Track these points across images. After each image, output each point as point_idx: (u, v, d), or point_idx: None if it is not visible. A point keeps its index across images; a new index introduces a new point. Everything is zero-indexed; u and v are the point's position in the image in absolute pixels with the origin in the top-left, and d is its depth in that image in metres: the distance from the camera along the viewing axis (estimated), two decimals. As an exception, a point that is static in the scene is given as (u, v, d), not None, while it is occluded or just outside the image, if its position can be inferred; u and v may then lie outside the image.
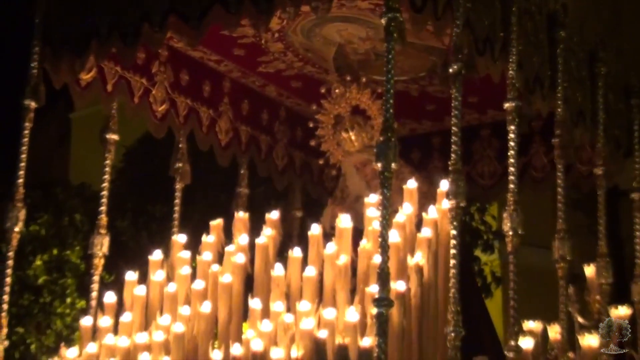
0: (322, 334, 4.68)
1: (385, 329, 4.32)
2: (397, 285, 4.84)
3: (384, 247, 4.39)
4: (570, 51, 6.11)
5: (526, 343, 5.45)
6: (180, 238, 6.06)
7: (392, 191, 5.81)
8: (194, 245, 5.95)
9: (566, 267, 5.62)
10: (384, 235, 4.41)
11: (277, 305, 5.09)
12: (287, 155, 7.65)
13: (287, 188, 7.81)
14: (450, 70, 5.10)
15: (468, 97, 7.08)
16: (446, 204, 5.09)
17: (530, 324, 5.76)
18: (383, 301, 4.32)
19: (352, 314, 4.78)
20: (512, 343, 5.05)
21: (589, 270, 6.03)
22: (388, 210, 4.47)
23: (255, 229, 5.83)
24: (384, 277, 4.35)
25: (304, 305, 4.96)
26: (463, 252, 6.55)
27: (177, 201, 6.74)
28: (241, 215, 5.95)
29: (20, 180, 5.73)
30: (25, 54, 5.88)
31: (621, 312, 5.82)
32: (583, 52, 6.30)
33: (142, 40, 5.61)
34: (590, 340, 5.60)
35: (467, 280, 6.28)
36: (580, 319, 5.94)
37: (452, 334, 4.72)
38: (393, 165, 4.52)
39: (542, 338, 5.75)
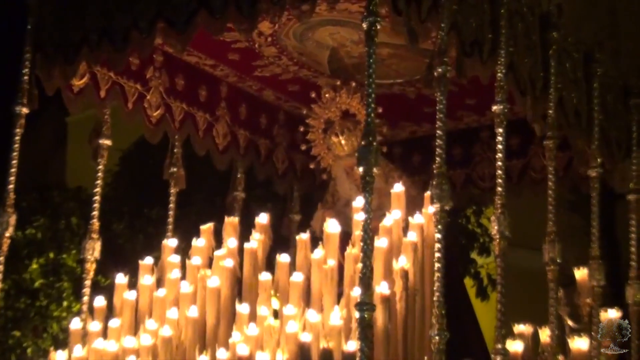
0: (306, 337, 4.72)
1: (368, 333, 4.32)
2: (382, 289, 4.86)
3: (366, 251, 4.41)
4: (565, 52, 6.09)
5: (516, 346, 5.46)
6: (171, 242, 6.10)
7: (381, 195, 5.93)
8: (188, 249, 5.99)
9: (556, 269, 5.61)
10: (366, 240, 4.43)
11: (263, 310, 5.12)
12: (288, 158, 7.67)
13: (285, 191, 7.83)
14: (435, 73, 5.09)
15: (466, 99, 7.13)
16: (432, 208, 5.09)
17: (521, 327, 5.76)
18: (365, 305, 4.33)
19: (335, 318, 4.81)
20: (499, 346, 5.04)
21: (579, 273, 6.02)
22: (370, 214, 4.48)
23: (250, 233, 5.87)
24: (366, 281, 4.37)
25: (289, 309, 4.99)
26: (454, 255, 6.61)
27: (171, 205, 6.78)
28: (231, 219, 5.97)
29: (11, 186, 5.79)
30: (18, 60, 5.95)
31: (611, 314, 5.82)
32: (578, 53, 6.28)
33: (131, 46, 5.66)
34: (580, 343, 5.61)
35: (455, 284, 6.30)
36: (570, 322, 5.94)
37: (437, 338, 4.71)
38: (375, 169, 4.52)
39: (533, 341, 5.75)
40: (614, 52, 6.62)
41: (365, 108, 4.71)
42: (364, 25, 4.72)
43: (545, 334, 5.69)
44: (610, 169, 6.46)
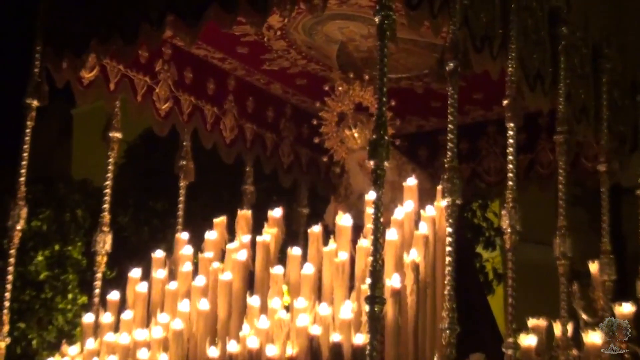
0: (316, 330, 4.73)
1: (377, 326, 4.37)
2: (393, 282, 4.87)
3: (376, 245, 4.43)
4: (573, 47, 6.12)
5: (530, 340, 5.44)
6: (183, 235, 6.12)
7: (394, 188, 5.96)
8: (196, 242, 6.01)
9: (567, 264, 5.63)
10: (376, 233, 4.44)
11: (275, 302, 5.13)
12: (293, 152, 7.70)
13: (293, 185, 7.84)
14: (447, 68, 5.11)
15: (473, 93, 7.16)
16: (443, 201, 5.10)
17: (535, 321, 5.73)
18: (375, 299, 4.35)
19: (346, 311, 4.82)
20: (510, 340, 5.05)
21: (594, 267, 6.02)
22: (381, 207, 4.49)
23: (258, 226, 5.87)
24: (376, 275, 4.39)
25: (300, 303, 5.00)
26: (465, 249, 6.61)
27: (181, 199, 6.81)
28: (244, 213, 5.98)
29: (22, 179, 5.83)
30: (28, 53, 5.96)
31: (625, 309, 5.81)
32: (587, 48, 6.30)
33: (141, 39, 5.68)
34: (593, 338, 5.60)
35: (469, 277, 6.31)
36: (584, 316, 5.93)
37: (447, 331, 4.74)
38: (386, 163, 4.53)
39: (548, 335, 5.73)
40: (621, 48, 6.63)
41: (376, 102, 4.69)
42: (376, 20, 4.73)
43: (559, 328, 5.67)
44: (617, 165, 6.46)
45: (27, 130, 5.88)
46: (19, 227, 5.78)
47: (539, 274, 7.48)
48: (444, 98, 7.07)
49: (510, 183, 5.32)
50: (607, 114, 6.32)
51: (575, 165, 7.08)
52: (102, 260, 6.15)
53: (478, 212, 11.54)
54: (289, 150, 7.67)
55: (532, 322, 5.73)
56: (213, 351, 5.12)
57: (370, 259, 4.54)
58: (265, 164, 7.58)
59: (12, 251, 5.73)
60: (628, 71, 6.73)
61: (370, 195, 5.54)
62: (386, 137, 4.59)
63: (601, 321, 5.83)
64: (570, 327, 5.75)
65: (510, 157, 5.37)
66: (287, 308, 5.22)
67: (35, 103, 5.90)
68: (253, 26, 5.49)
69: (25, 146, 5.86)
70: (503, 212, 5.30)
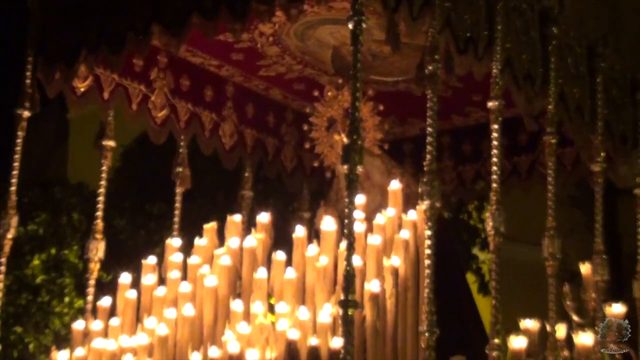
0: (294, 334, 4.80)
1: (351, 330, 4.42)
2: (372, 287, 4.93)
3: (350, 249, 4.48)
4: (567, 47, 6.14)
5: (519, 342, 5.48)
6: (174, 241, 6.21)
7: (384, 192, 6.01)
8: (190, 246, 6.09)
9: (556, 265, 5.66)
10: (349, 237, 4.50)
11: (257, 307, 5.21)
12: (296, 157, 7.76)
13: (289, 188, 7.91)
14: (426, 71, 5.15)
15: (473, 95, 7.16)
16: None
17: (527, 323, 5.77)
18: (348, 303, 4.40)
19: (324, 315, 4.89)
20: (494, 341, 5.09)
21: (585, 268, 6.04)
22: (353, 211, 4.55)
23: (251, 229, 5.96)
24: (349, 279, 4.44)
25: (281, 307, 5.08)
26: (455, 251, 6.65)
27: (177, 205, 6.91)
28: (234, 218, 6.07)
29: (13, 188, 5.93)
30: (20, 63, 6.09)
31: (616, 309, 5.83)
32: (581, 48, 6.31)
33: (128, 48, 5.78)
34: (584, 339, 5.64)
35: (456, 279, 6.34)
36: (575, 317, 5.96)
37: (427, 334, 4.78)
38: (359, 167, 4.59)
39: (540, 336, 5.76)
40: (620, 46, 6.63)
41: (350, 107, 4.77)
42: (350, 25, 4.78)
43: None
44: (614, 164, 6.47)
45: (19, 140, 5.98)
46: (9, 236, 5.88)
47: (535, 275, 7.46)
48: (443, 100, 7.15)
49: (494, 185, 5.38)
50: (605, 113, 6.32)
51: (577, 165, 7.10)
52: (94, 267, 6.25)
53: (474, 214, 11.55)
54: (291, 154, 7.73)
55: (523, 323, 5.78)
56: (196, 356, 5.20)
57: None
58: (268, 169, 7.67)
59: (3, 260, 5.84)
60: (627, 69, 6.73)
61: (359, 200, 5.66)
62: (359, 142, 4.65)
63: (592, 322, 5.87)
64: (563, 329, 5.80)
65: (494, 159, 5.44)
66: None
67: (26, 113, 6.00)
68: (234, 33, 5.57)
69: (17, 155, 5.95)
70: (487, 214, 5.35)
